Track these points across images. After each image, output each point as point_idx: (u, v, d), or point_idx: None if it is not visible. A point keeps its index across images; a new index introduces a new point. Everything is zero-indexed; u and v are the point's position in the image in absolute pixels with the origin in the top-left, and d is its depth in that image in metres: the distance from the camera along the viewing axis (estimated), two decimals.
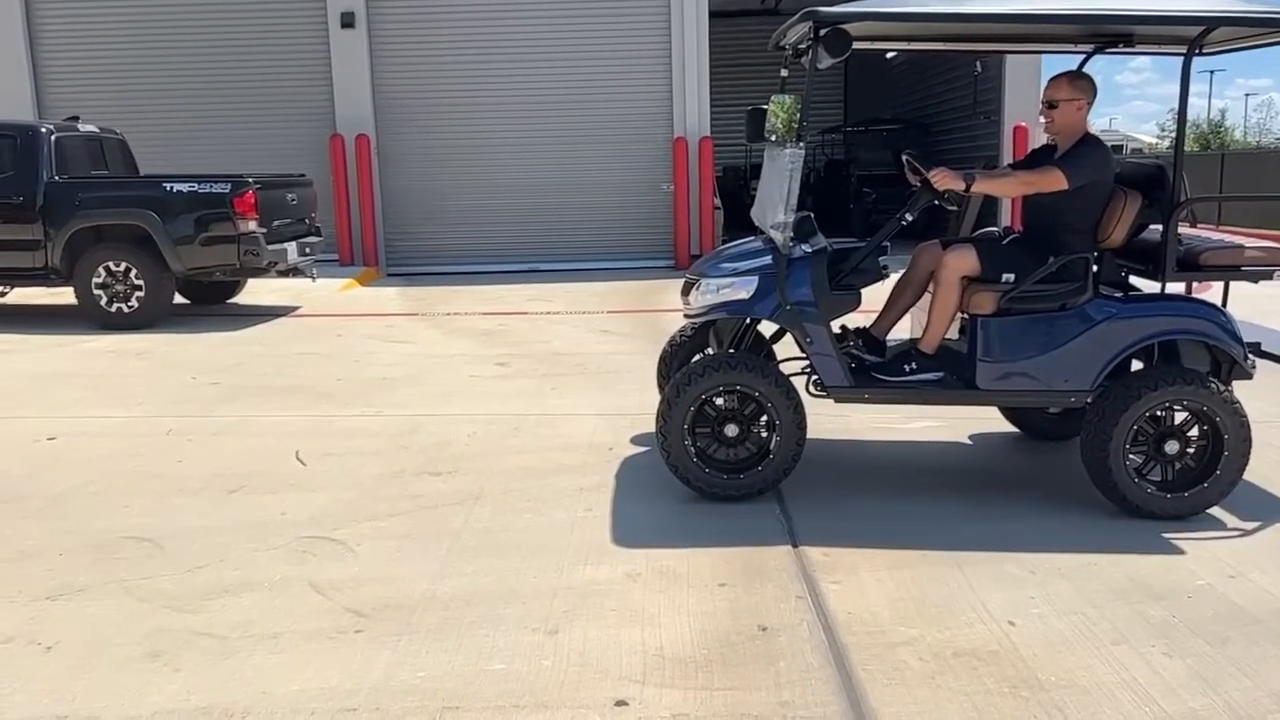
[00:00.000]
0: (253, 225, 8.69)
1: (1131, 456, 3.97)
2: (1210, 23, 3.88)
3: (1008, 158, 13.16)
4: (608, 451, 4.93)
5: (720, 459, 4.18)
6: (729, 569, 3.54)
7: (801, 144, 4.05)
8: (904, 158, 4.38)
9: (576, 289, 11.24)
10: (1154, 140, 55.73)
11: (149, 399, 6.13)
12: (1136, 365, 4.30)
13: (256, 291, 10.49)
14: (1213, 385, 3.94)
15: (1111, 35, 4.42)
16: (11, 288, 9.29)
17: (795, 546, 3.74)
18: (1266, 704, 2.68)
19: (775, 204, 4.09)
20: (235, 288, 10.17)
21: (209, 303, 10.01)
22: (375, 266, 12.96)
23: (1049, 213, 4.20)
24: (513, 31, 13.05)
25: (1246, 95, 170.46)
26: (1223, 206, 18.97)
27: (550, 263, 13.19)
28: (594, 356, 7.36)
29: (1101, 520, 3.99)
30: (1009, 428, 5.20)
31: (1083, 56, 4.73)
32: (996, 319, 4.07)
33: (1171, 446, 3.99)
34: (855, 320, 4.44)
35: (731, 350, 4.47)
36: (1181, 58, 4.10)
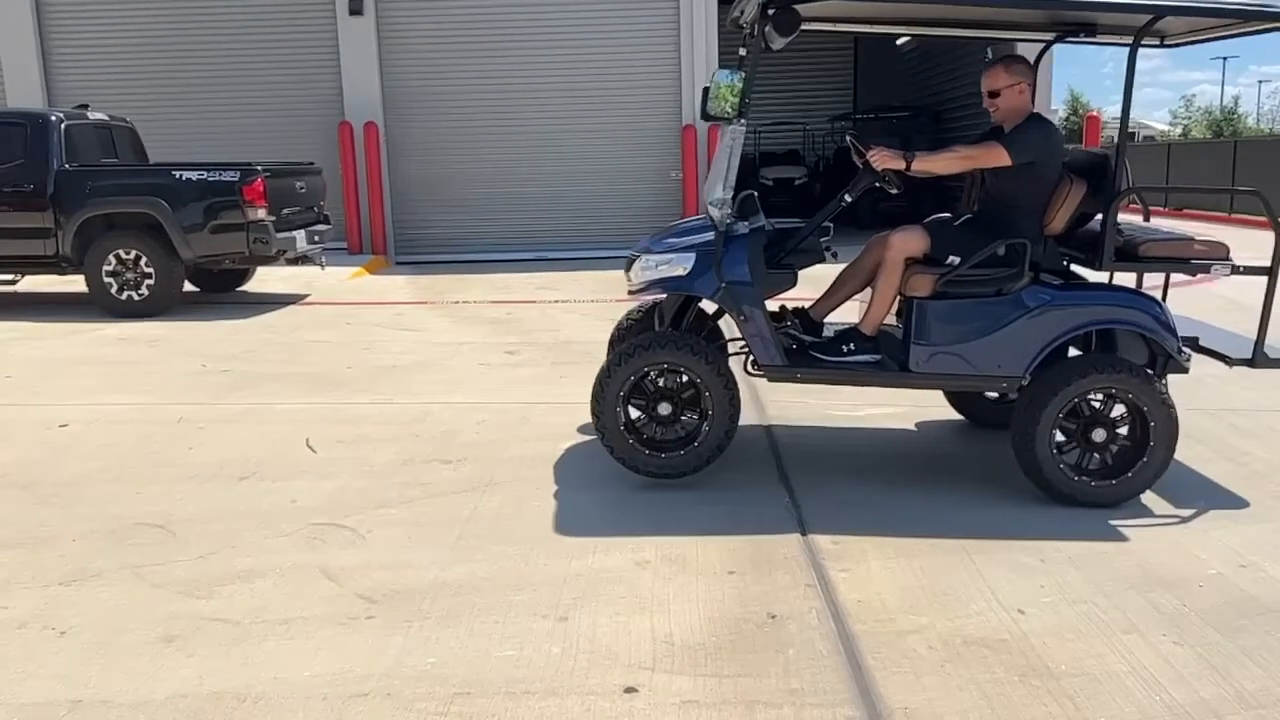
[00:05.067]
0: (262, 213, 8.70)
1: (1059, 443, 3.97)
2: (1157, 11, 3.83)
3: None
4: None
5: (654, 437, 4.19)
6: (738, 557, 3.54)
7: (743, 121, 4.04)
8: (847, 138, 4.38)
9: (585, 277, 11.23)
10: (1166, 128, 55.32)
11: (160, 386, 6.16)
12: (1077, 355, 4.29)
13: (266, 279, 10.52)
14: (1140, 374, 3.93)
15: (1072, 24, 4.37)
16: (23, 276, 9.32)
17: (804, 534, 3.75)
18: (1278, 693, 2.67)
19: (715, 181, 4.08)
20: (244, 275, 10.19)
21: (218, 290, 10.03)
22: (384, 255, 12.97)
23: (1000, 194, 4.19)
24: (521, 19, 13.01)
25: (1260, 82, 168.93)
26: (1235, 197, 18.83)
27: (559, 251, 13.18)
28: (602, 345, 7.32)
29: (1111, 508, 3.98)
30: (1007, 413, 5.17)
31: (1043, 44, 4.70)
32: (932, 302, 4.06)
33: (1098, 434, 3.98)
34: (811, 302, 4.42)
35: (671, 329, 4.44)
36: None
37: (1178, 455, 4.65)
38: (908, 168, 4.06)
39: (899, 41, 18.78)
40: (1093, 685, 2.70)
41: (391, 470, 4.52)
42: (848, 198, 4.24)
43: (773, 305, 4.22)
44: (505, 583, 3.35)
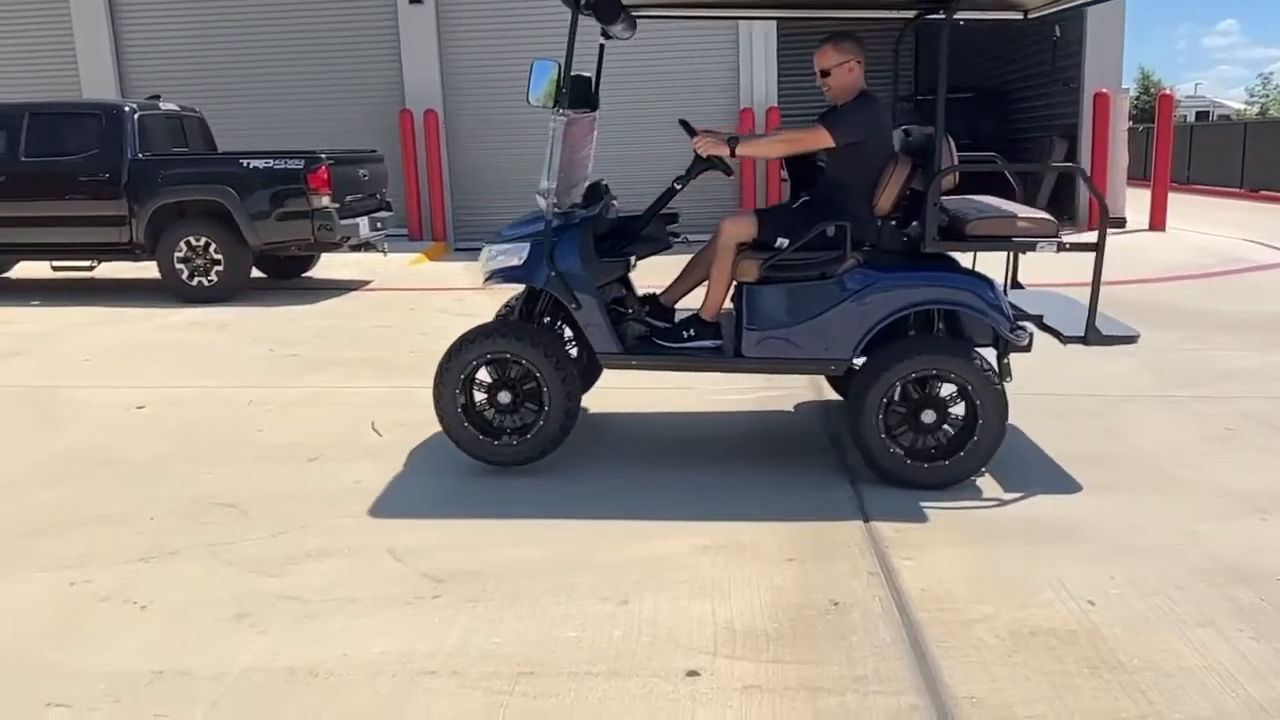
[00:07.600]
0: (326, 200, 8.86)
1: (888, 425, 3.92)
2: None
3: (1088, 125, 12.74)
4: (674, 422, 4.94)
5: (493, 425, 4.20)
6: (798, 544, 3.53)
7: (561, 111, 4.04)
8: (678, 121, 4.40)
9: (642, 263, 11.20)
10: (1242, 106, 53.30)
11: (230, 370, 6.32)
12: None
13: (330, 265, 10.71)
14: (965, 355, 3.87)
15: (928, 0, 4.29)
16: (99, 262, 9.63)
17: (866, 521, 3.72)
18: None
19: (542, 171, 4.11)
20: (309, 262, 10.38)
21: (285, 276, 10.24)
22: (443, 241, 13.12)
23: (834, 175, 4.13)
24: None
25: None
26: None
27: None
28: None
29: (1185, 499, 3.88)
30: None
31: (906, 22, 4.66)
32: (760, 286, 4.03)
33: (928, 416, 3.93)
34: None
35: (517, 318, 4.44)
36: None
37: (1257, 444, 4.53)
38: (732, 153, 4.06)
39: (960, 23, 18.37)
40: (1166, 679, 2.64)
41: (455, 453, 4.58)
42: (678, 186, 4.29)
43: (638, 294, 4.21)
44: (568, 565, 3.38)
